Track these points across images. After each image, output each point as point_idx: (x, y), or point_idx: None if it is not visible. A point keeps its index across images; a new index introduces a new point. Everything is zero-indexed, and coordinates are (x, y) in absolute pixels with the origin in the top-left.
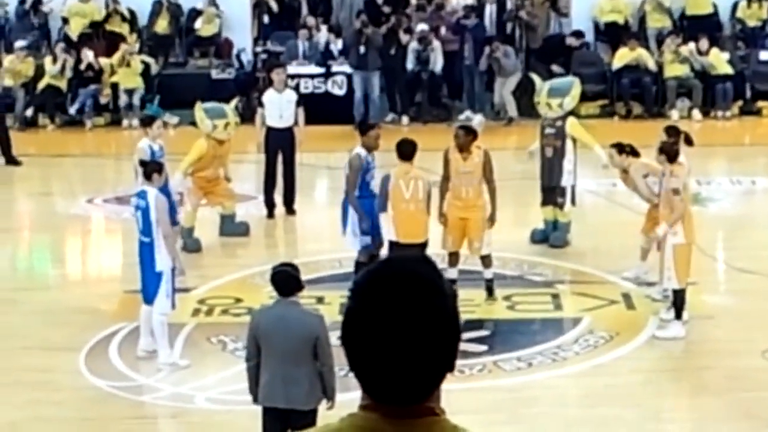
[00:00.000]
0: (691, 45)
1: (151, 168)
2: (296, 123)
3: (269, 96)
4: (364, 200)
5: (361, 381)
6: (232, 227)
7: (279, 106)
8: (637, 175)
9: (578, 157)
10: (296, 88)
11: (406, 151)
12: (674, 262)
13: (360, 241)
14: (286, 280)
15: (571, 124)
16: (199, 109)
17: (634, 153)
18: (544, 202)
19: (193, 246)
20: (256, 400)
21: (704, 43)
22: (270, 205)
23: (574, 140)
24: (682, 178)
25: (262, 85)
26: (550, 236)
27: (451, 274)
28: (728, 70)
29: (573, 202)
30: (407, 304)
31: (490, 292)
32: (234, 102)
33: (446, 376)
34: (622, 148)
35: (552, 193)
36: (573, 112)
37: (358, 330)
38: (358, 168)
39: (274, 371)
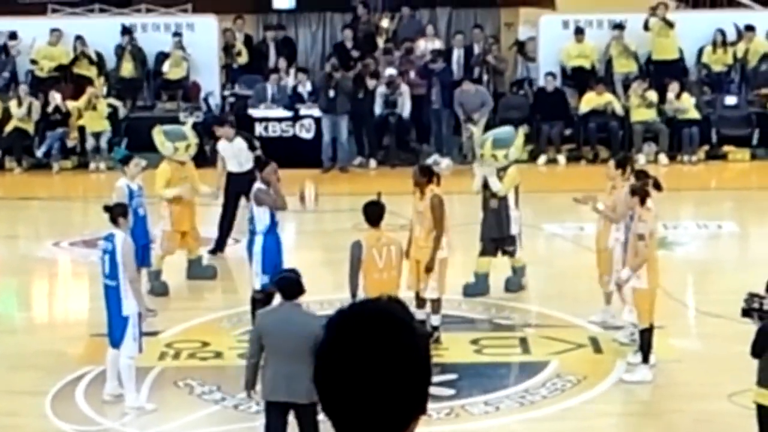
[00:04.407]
0: (670, 95)
1: (117, 212)
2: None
3: (222, 146)
4: (269, 236)
5: (333, 420)
6: (199, 271)
7: (234, 154)
8: (625, 196)
9: (544, 203)
10: (264, 131)
11: (374, 215)
12: (635, 306)
13: (260, 280)
14: (290, 285)
15: (508, 173)
16: (159, 133)
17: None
18: (484, 253)
19: (159, 289)
20: (249, 395)
21: (675, 87)
22: (220, 244)
23: (516, 188)
24: (649, 223)
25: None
26: (508, 281)
27: (417, 315)
28: (695, 114)
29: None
30: (378, 340)
31: (431, 336)
32: (190, 121)
33: (418, 419)
34: (621, 165)
35: (501, 243)
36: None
37: (329, 366)
38: (267, 193)
39: (277, 368)
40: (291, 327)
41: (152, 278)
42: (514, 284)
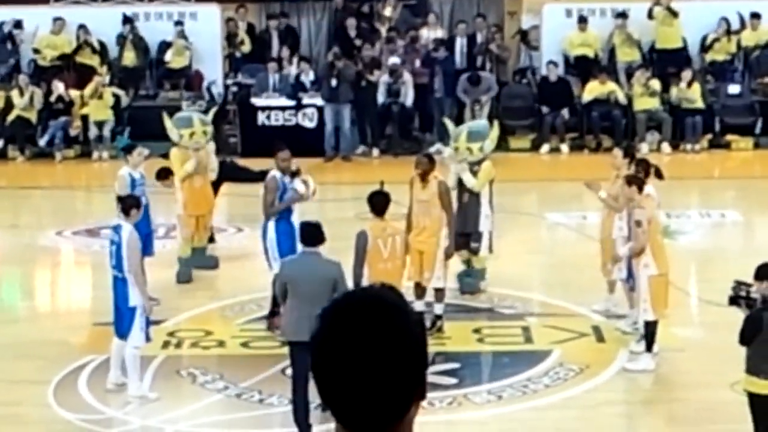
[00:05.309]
0: (682, 84)
1: (130, 203)
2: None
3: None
4: (282, 222)
5: (332, 407)
6: (201, 260)
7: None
8: (621, 187)
9: (547, 192)
10: (267, 120)
11: (379, 205)
12: (649, 294)
13: (278, 265)
14: (312, 233)
15: (483, 168)
16: (168, 119)
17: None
18: (459, 247)
19: (184, 277)
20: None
21: (687, 75)
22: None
23: (491, 184)
24: (648, 210)
25: (232, 118)
26: (462, 282)
27: (417, 306)
28: (701, 104)
29: (490, 248)
30: (373, 325)
31: (434, 326)
32: (212, 112)
33: (418, 405)
34: (628, 154)
35: (467, 238)
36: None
37: (326, 354)
38: (274, 189)
39: (301, 310)
40: (312, 272)
41: (182, 264)
42: (470, 285)
